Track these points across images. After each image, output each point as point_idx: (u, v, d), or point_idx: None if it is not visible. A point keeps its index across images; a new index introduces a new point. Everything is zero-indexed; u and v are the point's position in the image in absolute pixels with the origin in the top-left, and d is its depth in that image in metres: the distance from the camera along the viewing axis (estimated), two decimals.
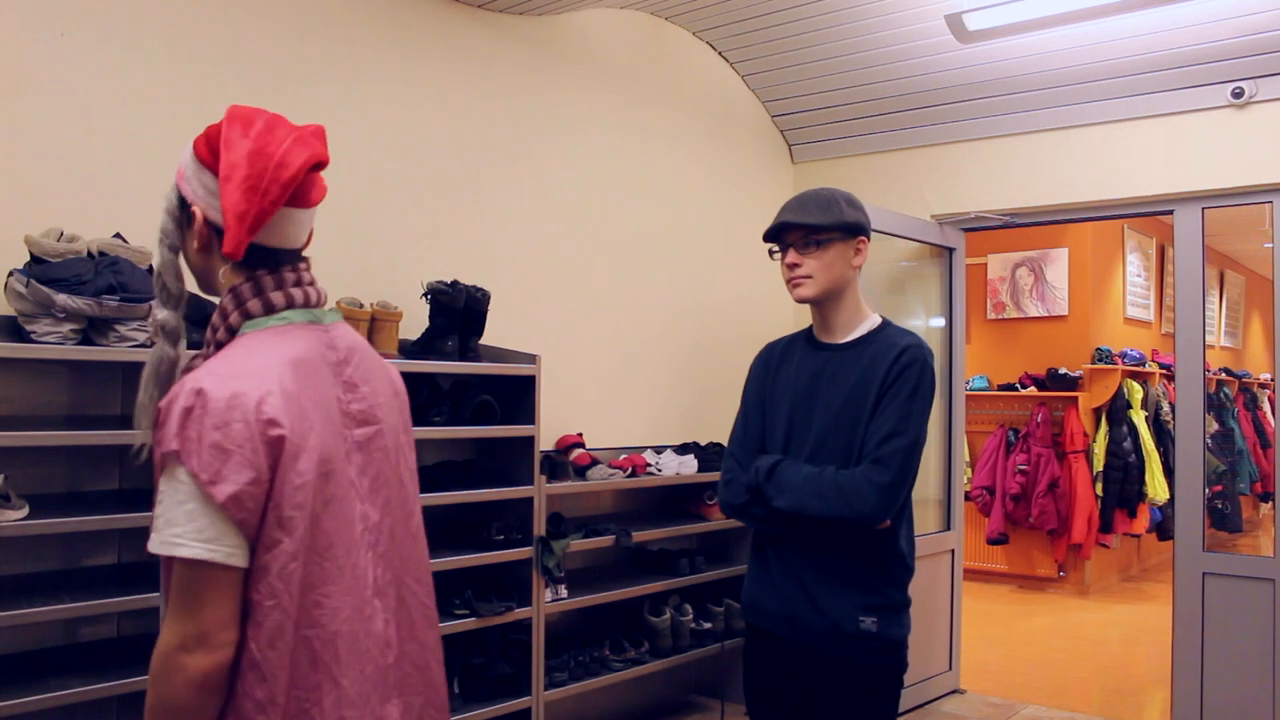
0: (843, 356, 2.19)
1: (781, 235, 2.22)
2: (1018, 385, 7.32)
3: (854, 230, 2.18)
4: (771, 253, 2.26)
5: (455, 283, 3.21)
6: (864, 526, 2.07)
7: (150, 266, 2.50)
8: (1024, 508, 6.98)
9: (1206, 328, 4.18)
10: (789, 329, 2.35)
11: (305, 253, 1.42)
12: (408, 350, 3.17)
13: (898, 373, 2.09)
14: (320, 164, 1.35)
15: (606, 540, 3.55)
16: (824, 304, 2.22)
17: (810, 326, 2.30)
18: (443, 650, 1.47)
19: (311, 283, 1.40)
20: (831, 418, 2.14)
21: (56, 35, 2.62)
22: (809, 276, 2.18)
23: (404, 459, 1.44)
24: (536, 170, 3.87)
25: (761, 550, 2.25)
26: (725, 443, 2.43)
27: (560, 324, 3.92)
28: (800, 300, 2.22)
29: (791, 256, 2.19)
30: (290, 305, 1.35)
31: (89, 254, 2.41)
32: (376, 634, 1.33)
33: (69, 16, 2.65)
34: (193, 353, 1.38)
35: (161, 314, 1.37)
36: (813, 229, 2.16)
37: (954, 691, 4.73)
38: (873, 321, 2.23)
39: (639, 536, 3.66)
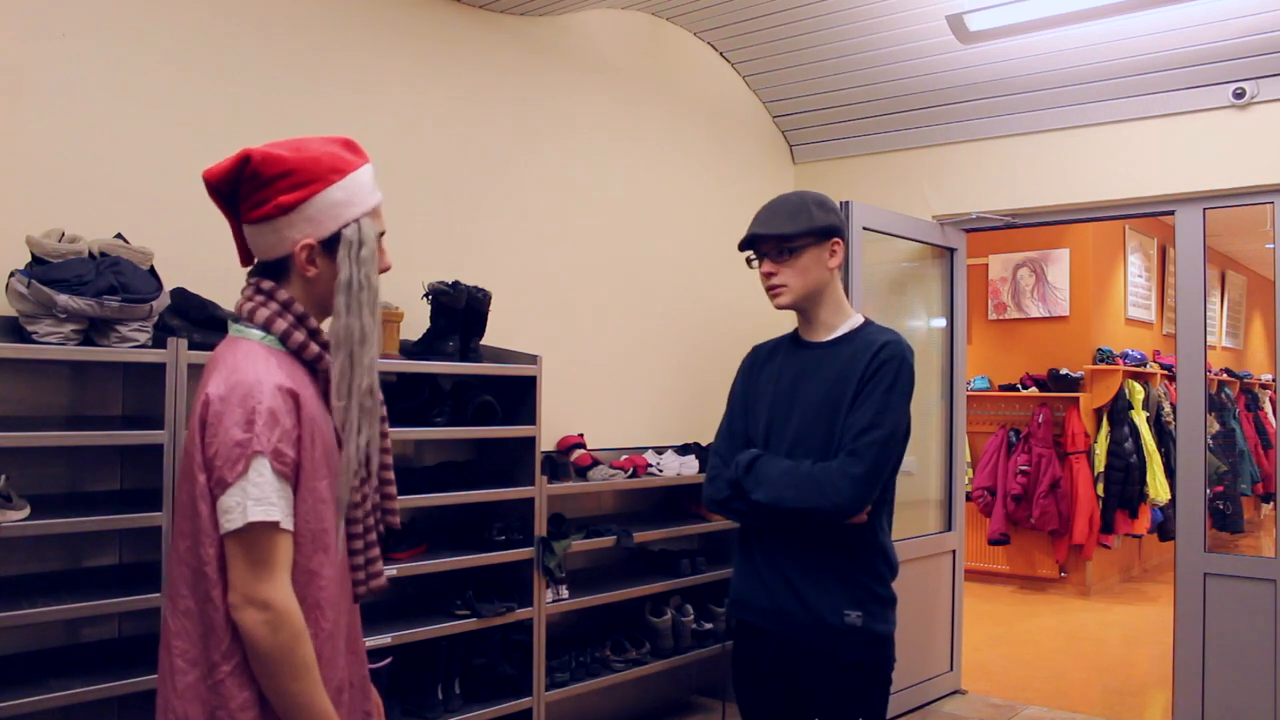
0: (823, 354, 2.21)
1: (755, 244, 2.23)
2: (1019, 386, 7.32)
3: (826, 233, 2.19)
4: (749, 261, 2.28)
5: (456, 283, 3.21)
6: (840, 517, 2.07)
7: (151, 267, 2.50)
8: (1025, 508, 6.98)
9: (1208, 328, 4.18)
10: (789, 328, 2.37)
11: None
12: (409, 350, 3.17)
13: (876, 367, 2.10)
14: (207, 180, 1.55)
15: (607, 541, 3.55)
16: (805, 307, 2.24)
17: (796, 329, 2.32)
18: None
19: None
20: (810, 414, 2.16)
21: (57, 36, 2.62)
22: (785, 285, 2.20)
23: (186, 477, 1.48)
24: (538, 170, 3.87)
25: (747, 546, 2.27)
26: None
27: (561, 324, 3.92)
28: (780, 308, 2.25)
29: (766, 266, 2.21)
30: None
31: (90, 254, 2.40)
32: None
33: (70, 18, 2.65)
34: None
35: None
36: (783, 239, 2.16)
37: (955, 692, 4.73)
38: (855, 321, 2.25)
39: (640, 537, 3.66)
